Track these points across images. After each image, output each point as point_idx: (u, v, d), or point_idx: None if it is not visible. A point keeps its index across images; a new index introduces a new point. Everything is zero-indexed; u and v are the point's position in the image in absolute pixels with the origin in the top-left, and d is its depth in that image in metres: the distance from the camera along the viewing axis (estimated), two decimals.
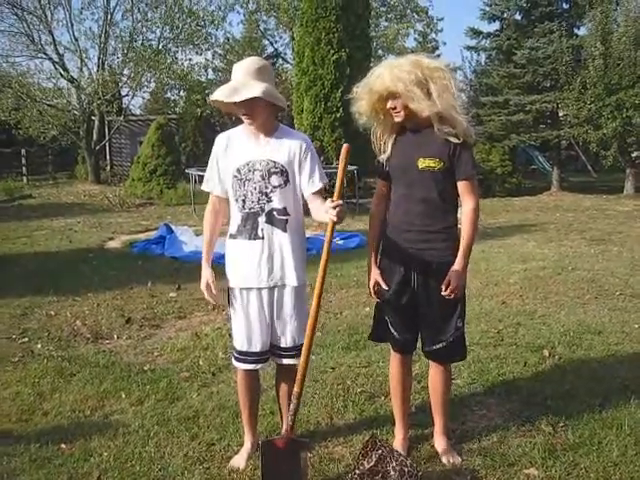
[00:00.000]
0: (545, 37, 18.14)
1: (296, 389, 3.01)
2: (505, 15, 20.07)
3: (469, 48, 21.40)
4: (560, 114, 19.48)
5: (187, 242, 9.66)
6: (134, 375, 4.51)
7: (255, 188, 3.11)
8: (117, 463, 3.31)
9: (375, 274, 3.30)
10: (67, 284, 7.19)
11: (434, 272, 3.16)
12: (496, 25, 20.62)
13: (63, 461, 3.34)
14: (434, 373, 3.41)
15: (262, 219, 3.10)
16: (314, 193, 3.16)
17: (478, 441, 3.49)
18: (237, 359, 3.27)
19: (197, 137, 25.83)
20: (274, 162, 3.12)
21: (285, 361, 3.27)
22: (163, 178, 17.58)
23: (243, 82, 3.02)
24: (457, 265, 3.11)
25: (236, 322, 3.23)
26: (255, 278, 3.13)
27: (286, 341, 3.23)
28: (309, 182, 3.15)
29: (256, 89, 2.98)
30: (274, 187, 3.12)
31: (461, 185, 3.15)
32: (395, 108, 3.09)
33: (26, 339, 5.38)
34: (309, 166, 3.15)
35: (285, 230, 3.15)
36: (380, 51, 25.74)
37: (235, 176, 3.14)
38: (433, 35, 29.33)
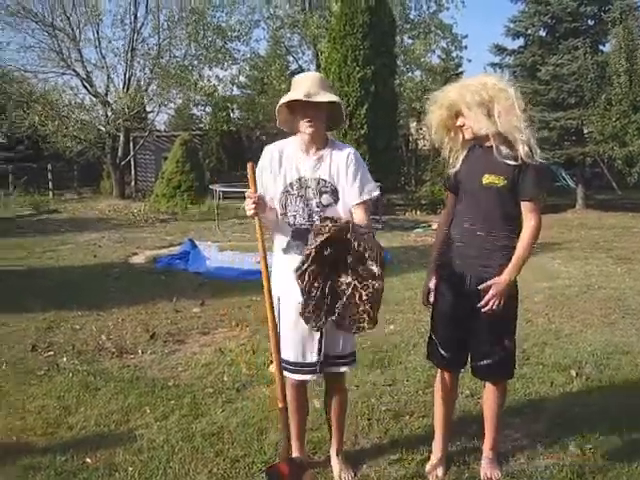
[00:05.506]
0: (570, 54, 18.05)
1: (280, 404, 2.99)
2: (529, 32, 19.98)
3: (493, 65, 21.32)
4: (585, 131, 19.33)
5: (211, 258, 9.69)
6: (158, 390, 4.53)
7: (307, 205, 3.12)
8: (142, 479, 3.32)
9: (430, 284, 3.36)
10: (92, 298, 7.24)
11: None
12: (520, 42, 20.57)
13: (88, 475, 3.35)
14: (487, 391, 3.41)
15: (311, 235, 3.02)
16: (356, 205, 3.14)
17: (505, 462, 3.44)
18: (290, 370, 3.20)
19: (221, 153, 26.02)
20: (324, 181, 3.13)
21: (342, 369, 3.25)
22: (187, 194, 17.72)
23: (317, 90, 3.05)
24: (504, 275, 3.06)
25: (289, 334, 3.19)
26: None
27: (344, 348, 3.20)
28: (352, 194, 3.14)
29: (333, 97, 3.12)
30: (324, 206, 3.12)
31: (524, 205, 3.11)
32: (464, 125, 3.13)
33: (52, 353, 5.42)
34: (352, 178, 3.14)
35: None
36: (405, 67, 25.69)
37: (287, 191, 3.15)
38: (457, 52, 29.28)
